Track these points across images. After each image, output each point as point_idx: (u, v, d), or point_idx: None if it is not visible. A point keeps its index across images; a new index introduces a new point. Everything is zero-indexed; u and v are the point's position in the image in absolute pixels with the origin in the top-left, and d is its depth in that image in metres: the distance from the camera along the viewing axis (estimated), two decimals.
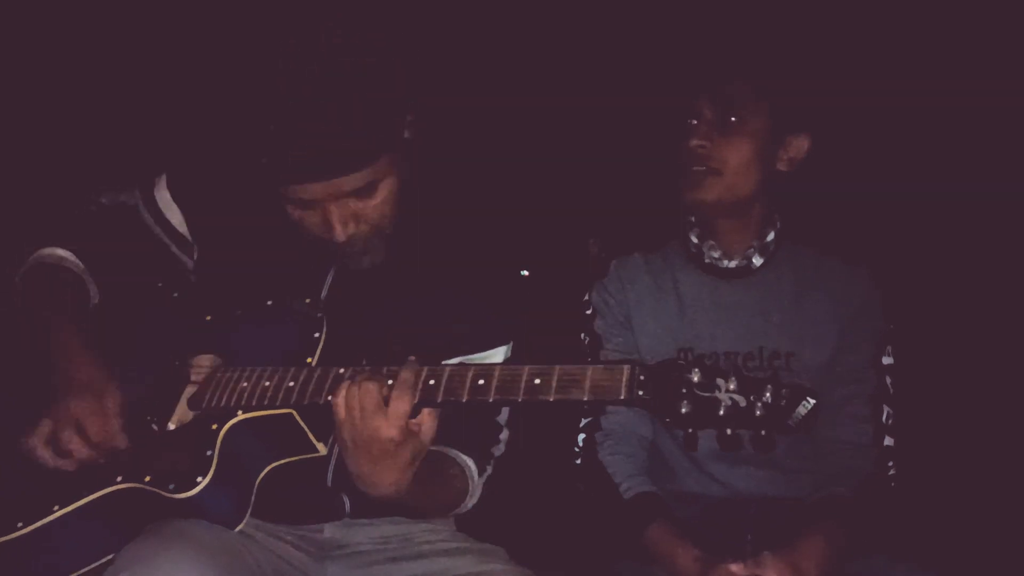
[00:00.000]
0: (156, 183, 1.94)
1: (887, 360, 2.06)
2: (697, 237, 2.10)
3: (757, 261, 2.08)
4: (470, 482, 1.87)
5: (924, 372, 2.39)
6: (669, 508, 2.01)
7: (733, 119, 1.98)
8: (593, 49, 2.87)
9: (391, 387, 1.53)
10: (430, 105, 1.82)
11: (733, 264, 2.08)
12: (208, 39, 2.64)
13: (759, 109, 1.99)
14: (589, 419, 2.11)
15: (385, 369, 1.57)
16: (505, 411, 1.93)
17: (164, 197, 1.93)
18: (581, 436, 2.11)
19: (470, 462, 1.86)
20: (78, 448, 1.64)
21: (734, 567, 1.80)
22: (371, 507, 1.85)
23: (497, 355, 1.88)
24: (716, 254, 2.09)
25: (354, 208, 1.72)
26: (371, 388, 1.52)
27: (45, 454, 1.65)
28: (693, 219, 2.11)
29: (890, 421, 2.03)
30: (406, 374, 1.54)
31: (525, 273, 2.02)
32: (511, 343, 1.90)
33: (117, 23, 2.78)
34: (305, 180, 1.67)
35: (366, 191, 1.71)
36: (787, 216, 2.11)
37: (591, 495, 2.09)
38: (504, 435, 1.93)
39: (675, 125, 2.02)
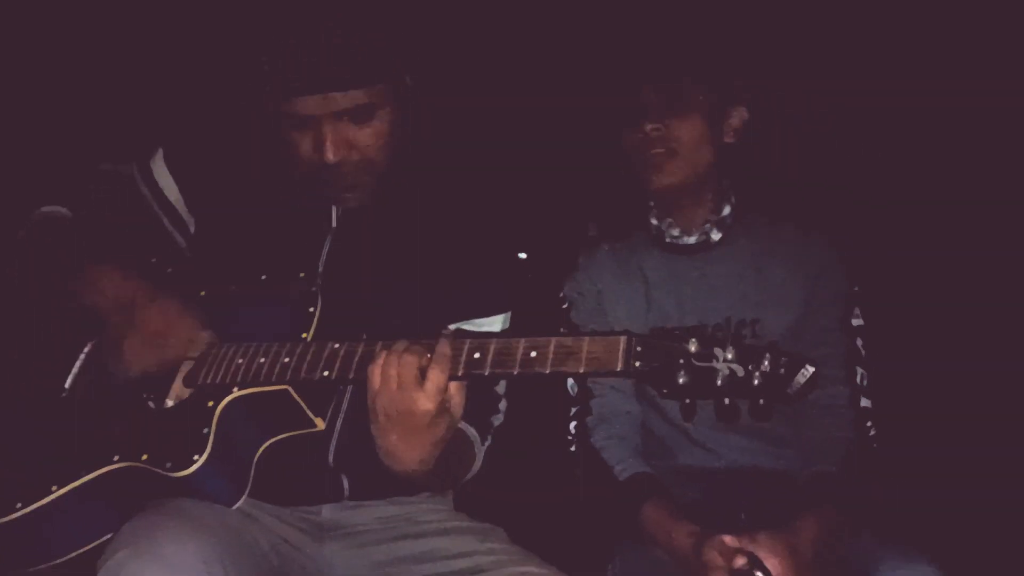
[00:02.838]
0: (153, 157, 1.94)
1: (856, 322, 2.08)
2: (656, 218, 2.17)
3: (715, 235, 2.13)
4: (476, 452, 1.87)
5: (896, 334, 2.42)
6: (664, 487, 2.02)
7: (680, 101, 2.04)
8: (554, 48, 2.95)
9: (429, 359, 1.51)
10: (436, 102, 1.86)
11: (692, 240, 2.14)
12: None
13: (702, 88, 2.07)
14: (578, 407, 2.13)
15: (422, 342, 1.54)
16: (503, 381, 1.92)
17: (161, 170, 1.93)
18: (572, 424, 2.13)
19: (473, 431, 1.86)
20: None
21: (727, 538, 1.79)
22: (370, 490, 1.85)
23: (495, 323, 1.88)
24: (676, 232, 2.15)
25: (348, 133, 1.74)
26: (411, 360, 1.50)
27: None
28: (652, 203, 2.18)
29: (865, 382, 2.05)
30: (443, 348, 1.51)
31: (523, 256, 2.01)
32: (509, 312, 1.90)
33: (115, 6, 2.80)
34: (303, 92, 1.69)
35: (361, 115, 1.74)
36: (741, 190, 2.17)
37: (588, 480, 2.09)
38: (503, 405, 1.93)
39: (625, 116, 2.07)
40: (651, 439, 2.13)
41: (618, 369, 1.45)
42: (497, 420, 1.93)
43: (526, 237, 2.03)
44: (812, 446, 2.01)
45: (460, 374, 1.51)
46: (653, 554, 1.96)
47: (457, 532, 1.85)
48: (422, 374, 1.49)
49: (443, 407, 1.51)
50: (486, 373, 1.50)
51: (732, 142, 2.13)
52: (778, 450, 2.08)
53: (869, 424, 2.03)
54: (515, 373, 1.49)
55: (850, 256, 2.12)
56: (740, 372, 1.40)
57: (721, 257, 2.12)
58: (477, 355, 1.51)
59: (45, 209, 1.92)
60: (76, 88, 2.82)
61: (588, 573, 1.91)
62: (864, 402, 2.03)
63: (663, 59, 2.10)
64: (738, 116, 2.13)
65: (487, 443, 1.90)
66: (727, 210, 2.14)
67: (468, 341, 1.53)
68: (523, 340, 1.50)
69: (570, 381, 2.14)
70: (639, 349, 1.44)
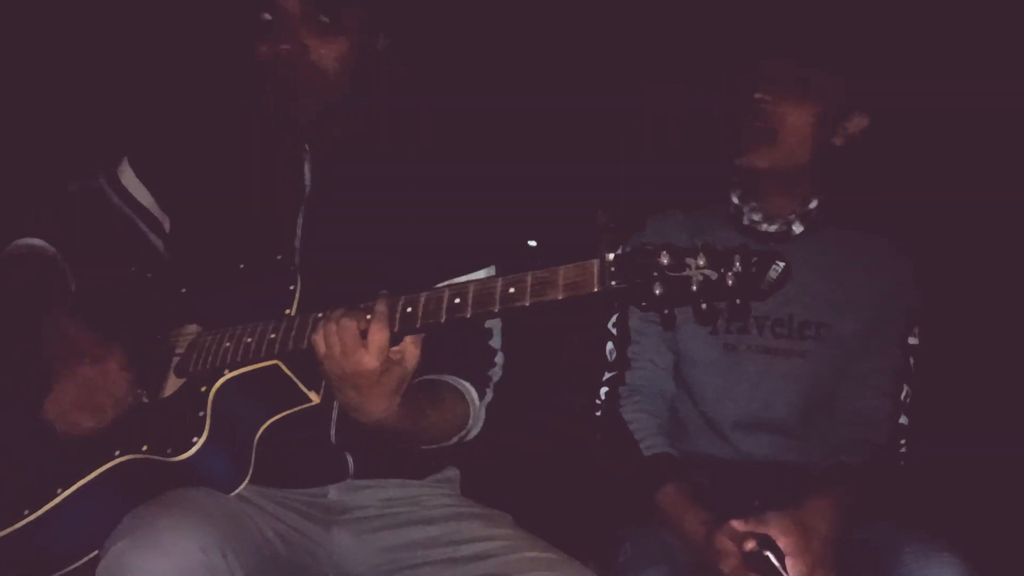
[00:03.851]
0: (119, 166, 1.98)
1: (913, 340, 2.05)
2: (739, 198, 2.09)
3: (797, 228, 2.07)
4: (471, 406, 1.87)
5: (947, 357, 2.35)
6: (685, 471, 2.00)
7: (802, 84, 1.97)
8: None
9: (368, 320, 1.55)
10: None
11: (773, 229, 2.07)
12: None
13: (827, 79, 1.98)
14: (613, 373, 2.10)
15: (362, 304, 1.58)
16: (497, 335, 1.93)
17: (129, 177, 1.97)
18: (604, 390, 2.10)
19: (469, 386, 1.87)
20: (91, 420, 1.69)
21: (736, 523, 1.78)
22: (375, 467, 1.86)
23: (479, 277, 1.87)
24: (756, 217, 2.08)
25: (310, 33, 1.76)
26: (349, 324, 1.55)
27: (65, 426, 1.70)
28: (736, 179, 2.10)
29: (908, 400, 2.03)
30: (381, 306, 1.56)
31: (533, 244, 2.03)
32: (493, 266, 1.90)
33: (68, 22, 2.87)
34: None
35: (332, 18, 1.77)
36: (833, 190, 2.09)
37: (608, 449, 2.07)
38: (499, 359, 1.93)
39: (742, 83, 2.00)
40: (673, 422, 2.11)
41: (596, 290, 1.47)
42: (495, 374, 1.93)
43: (501, 185, 2.02)
44: (839, 445, 1.99)
45: (396, 330, 1.55)
46: (664, 539, 1.94)
47: (465, 518, 1.84)
48: (364, 335, 1.54)
49: (390, 362, 1.55)
50: (418, 325, 1.55)
51: (841, 145, 2.04)
52: (801, 445, 2.06)
53: (903, 442, 2.01)
54: (496, 311, 1.51)
55: (925, 278, 2.07)
56: (713, 276, 1.43)
57: (798, 252, 1.95)
58: (410, 309, 1.56)
59: (20, 242, 1.94)
60: (35, 113, 2.87)
61: (596, 559, 1.88)
62: (903, 419, 2.02)
63: (799, 38, 2.01)
64: (858, 122, 2.04)
65: (487, 398, 1.91)
66: (814, 204, 2.06)
67: (403, 297, 1.57)
68: (501, 279, 1.53)
69: (609, 346, 2.10)
70: (613, 269, 1.46)
